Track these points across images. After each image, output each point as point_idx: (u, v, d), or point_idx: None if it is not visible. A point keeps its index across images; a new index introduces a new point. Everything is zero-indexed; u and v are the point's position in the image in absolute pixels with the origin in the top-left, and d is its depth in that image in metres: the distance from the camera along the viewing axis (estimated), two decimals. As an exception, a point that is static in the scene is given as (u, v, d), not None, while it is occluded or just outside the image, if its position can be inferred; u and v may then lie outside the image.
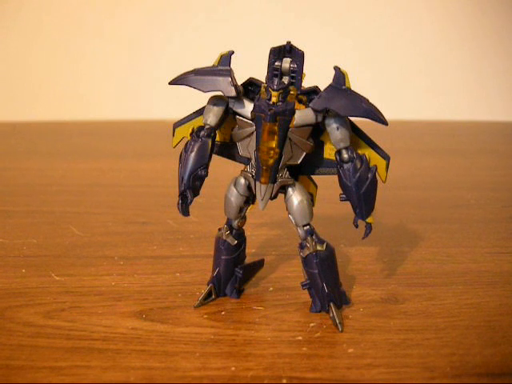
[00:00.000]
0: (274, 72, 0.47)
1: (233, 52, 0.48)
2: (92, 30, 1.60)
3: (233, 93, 0.46)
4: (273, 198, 0.50)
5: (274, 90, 0.45)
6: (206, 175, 0.49)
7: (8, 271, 0.60)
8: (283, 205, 0.50)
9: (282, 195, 0.50)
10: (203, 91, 0.47)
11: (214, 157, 0.50)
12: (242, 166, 0.51)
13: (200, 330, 0.48)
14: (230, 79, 0.47)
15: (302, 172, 0.51)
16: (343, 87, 0.46)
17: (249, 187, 0.50)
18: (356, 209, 0.48)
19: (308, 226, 0.50)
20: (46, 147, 1.32)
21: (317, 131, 0.49)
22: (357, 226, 0.49)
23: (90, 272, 0.60)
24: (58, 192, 0.92)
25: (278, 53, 0.47)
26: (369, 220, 0.48)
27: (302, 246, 0.50)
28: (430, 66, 1.62)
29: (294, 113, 0.46)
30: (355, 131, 0.48)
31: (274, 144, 0.47)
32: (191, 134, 0.50)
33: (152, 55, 1.61)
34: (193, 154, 0.48)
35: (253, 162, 0.49)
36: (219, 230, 0.54)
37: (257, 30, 1.53)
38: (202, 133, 0.49)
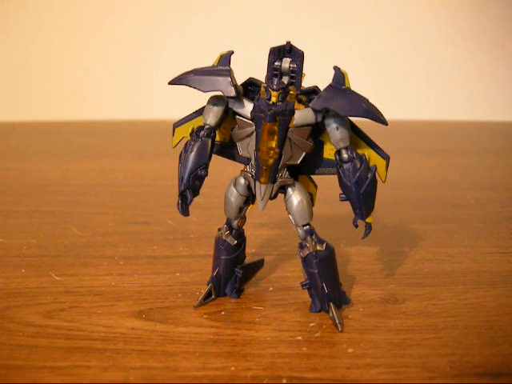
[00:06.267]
0: (273, 72, 0.47)
1: (233, 52, 0.48)
2: (92, 30, 1.60)
3: (233, 93, 0.46)
4: (273, 197, 0.50)
5: (273, 89, 0.45)
6: (206, 175, 0.49)
7: (8, 271, 0.60)
8: (283, 205, 0.50)
9: (282, 195, 0.50)
10: (203, 91, 0.47)
11: (214, 157, 0.50)
12: (241, 166, 0.51)
13: (200, 329, 0.48)
14: (229, 79, 0.47)
15: (302, 172, 0.51)
16: (343, 87, 0.46)
17: (249, 187, 0.50)
18: (356, 209, 0.48)
19: (308, 226, 0.50)
20: (45, 147, 1.32)
21: (317, 131, 0.49)
22: (357, 226, 0.49)
23: (89, 272, 0.60)
24: (58, 192, 0.92)
25: (277, 53, 0.47)
26: (368, 220, 0.48)
27: (301, 246, 0.50)
28: (430, 65, 1.62)
29: (293, 113, 0.46)
30: (355, 131, 0.48)
31: (273, 144, 0.47)
32: (191, 134, 0.50)
33: (152, 55, 1.61)
34: (193, 154, 0.48)
35: (253, 161, 0.49)
36: (219, 229, 0.54)
37: (257, 29, 1.53)
38: (202, 133, 0.49)
